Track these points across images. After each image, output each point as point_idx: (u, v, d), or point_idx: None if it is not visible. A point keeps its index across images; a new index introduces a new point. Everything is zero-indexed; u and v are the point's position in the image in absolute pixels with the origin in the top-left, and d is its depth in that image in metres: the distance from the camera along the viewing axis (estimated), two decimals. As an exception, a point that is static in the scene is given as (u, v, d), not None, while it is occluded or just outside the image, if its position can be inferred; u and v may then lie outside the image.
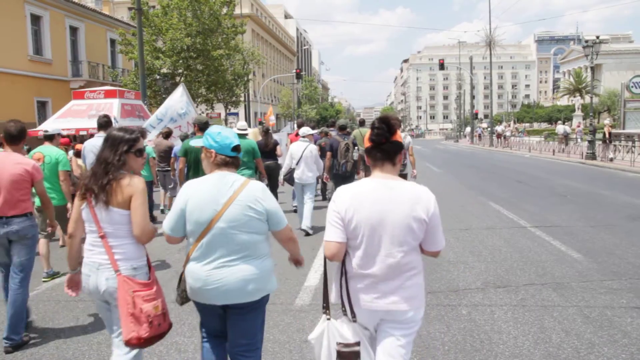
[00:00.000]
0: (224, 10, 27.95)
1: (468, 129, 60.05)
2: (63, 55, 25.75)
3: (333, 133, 10.12)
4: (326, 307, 2.62)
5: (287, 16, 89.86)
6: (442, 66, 42.80)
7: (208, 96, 29.87)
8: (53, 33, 24.77)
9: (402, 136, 8.55)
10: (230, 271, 2.71)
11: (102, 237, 2.86)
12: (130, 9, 32.76)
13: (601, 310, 4.74)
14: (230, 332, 2.87)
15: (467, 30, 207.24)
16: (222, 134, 2.81)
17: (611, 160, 21.06)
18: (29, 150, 8.16)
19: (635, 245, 7.17)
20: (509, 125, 53.07)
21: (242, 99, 36.30)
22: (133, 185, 2.88)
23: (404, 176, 8.58)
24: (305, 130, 9.03)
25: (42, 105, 24.25)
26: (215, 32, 27.29)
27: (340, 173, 8.57)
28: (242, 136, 7.57)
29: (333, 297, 2.61)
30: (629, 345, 4.02)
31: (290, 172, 8.67)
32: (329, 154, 8.72)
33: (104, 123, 7.09)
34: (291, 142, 10.55)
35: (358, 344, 2.45)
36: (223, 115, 37.25)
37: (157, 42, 26.43)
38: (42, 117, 23.16)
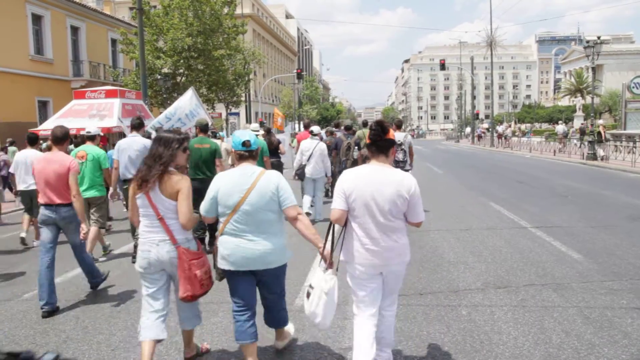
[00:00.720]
0: (225, 10, 27.96)
1: (468, 129, 60.10)
2: (64, 55, 25.77)
3: (338, 133, 11.21)
4: (331, 265, 3.41)
5: (288, 16, 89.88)
6: (443, 66, 42.76)
7: (209, 96, 29.88)
8: (54, 33, 24.79)
9: (403, 136, 9.09)
10: (253, 244, 3.44)
11: (161, 219, 3.53)
12: (131, 8, 32.78)
13: (601, 311, 4.73)
14: (260, 289, 3.65)
15: (468, 31, 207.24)
16: (235, 135, 3.59)
17: (602, 159, 21.20)
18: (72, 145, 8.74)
19: (636, 246, 7.16)
20: (510, 126, 53.04)
21: (243, 99, 36.31)
22: (181, 182, 3.54)
23: (406, 171, 8.86)
24: (317, 128, 9.76)
25: (43, 105, 24.27)
26: (216, 32, 27.30)
27: (340, 170, 9.36)
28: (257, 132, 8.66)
29: (342, 255, 3.41)
30: (629, 346, 4.02)
31: (302, 167, 9.18)
32: (334, 151, 9.87)
33: (138, 125, 7.59)
34: (299, 141, 11.13)
35: (322, 290, 3.33)
36: (224, 115, 37.26)
37: (158, 42, 26.45)
38: (43, 116, 23.19)
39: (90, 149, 7.28)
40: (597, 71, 54.99)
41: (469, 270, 6.13)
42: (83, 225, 5.19)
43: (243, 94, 35.80)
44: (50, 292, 5.04)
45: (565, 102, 76.89)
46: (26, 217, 8.55)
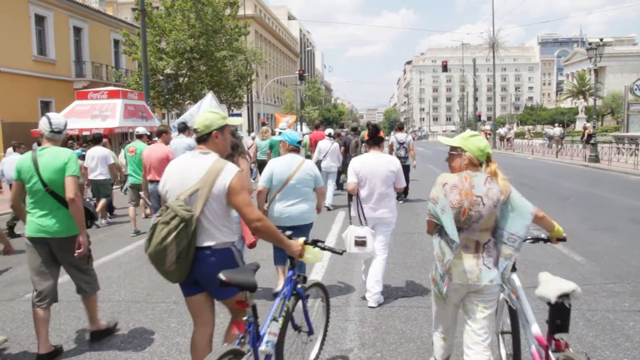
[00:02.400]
0: (228, 11, 28.01)
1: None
2: (67, 55, 25.84)
3: (343, 133, 13.78)
4: (350, 219, 5.24)
5: (290, 17, 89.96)
6: (445, 68, 42.77)
7: (211, 97, 29.91)
8: (57, 33, 24.86)
9: (405, 136, 11.65)
10: (295, 208, 4.99)
11: None
12: (133, 9, 32.88)
13: (603, 314, 4.72)
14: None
15: (471, 32, 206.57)
16: (293, 134, 5.23)
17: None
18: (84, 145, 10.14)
19: (638, 249, 7.14)
20: (512, 128, 53.00)
21: (245, 100, 36.35)
22: (244, 164, 4.89)
23: (406, 166, 11.31)
24: (331, 131, 12.33)
25: (45, 106, 24.33)
26: (218, 33, 27.34)
27: (348, 163, 10.59)
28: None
29: (353, 212, 5.17)
30: (631, 349, 4.00)
31: (318, 163, 10.90)
32: (343, 148, 11.96)
33: (183, 128, 9.47)
34: (311, 140, 13.16)
35: (365, 237, 4.75)
36: (226, 116, 37.24)
37: (161, 43, 26.51)
38: (46, 117, 23.23)
39: (139, 145, 9.07)
40: (600, 73, 54.96)
41: (470, 272, 6.10)
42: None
43: (245, 95, 35.83)
44: None
45: (567, 104, 76.78)
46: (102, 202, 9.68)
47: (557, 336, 2.67)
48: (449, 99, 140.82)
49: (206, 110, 3.16)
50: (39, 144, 4.14)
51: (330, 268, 6.42)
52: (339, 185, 12.61)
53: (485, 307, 2.88)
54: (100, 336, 4.33)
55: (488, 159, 2.94)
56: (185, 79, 27.57)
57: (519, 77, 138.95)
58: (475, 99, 52.39)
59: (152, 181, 7.39)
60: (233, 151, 4.51)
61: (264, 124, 42.88)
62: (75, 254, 4.00)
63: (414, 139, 12.68)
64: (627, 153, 21.26)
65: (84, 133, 18.12)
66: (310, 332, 3.56)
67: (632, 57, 71.20)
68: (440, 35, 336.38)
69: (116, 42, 30.23)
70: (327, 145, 11.15)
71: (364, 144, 10.85)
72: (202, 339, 3.03)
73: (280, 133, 5.66)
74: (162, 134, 7.85)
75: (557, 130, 33.95)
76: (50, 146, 4.01)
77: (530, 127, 66.08)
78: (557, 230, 3.29)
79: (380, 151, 5.22)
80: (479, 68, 69.88)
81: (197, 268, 2.87)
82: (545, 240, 3.38)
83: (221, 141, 3.02)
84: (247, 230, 4.11)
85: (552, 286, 2.79)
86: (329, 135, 11.74)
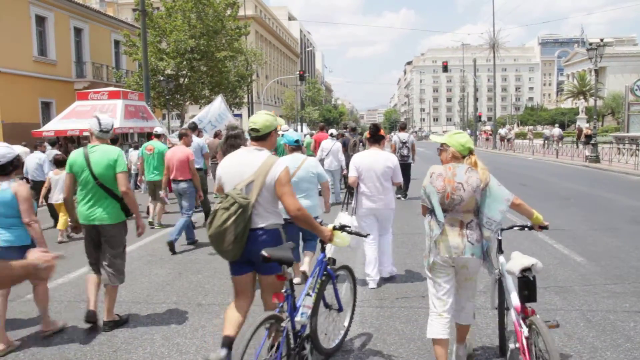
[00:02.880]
0: (228, 12, 28.00)
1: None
2: (67, 56, 25.84)
3: (345, 134, 14.44)
4: (346, 207, 6.30)
5: (290, 18, 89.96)
6: (445, 68, 42.72)
7: (211, 97, 29.89)
8: (57, 34, 24.86)
9: (407, 136, 12.82)
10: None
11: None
12: (134, 10, 32.88)
13: (604, 314, 4.72)
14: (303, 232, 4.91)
15: (471, 33, 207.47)
16: (291, 135, 5.58)
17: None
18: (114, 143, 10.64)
19: (639, 249, 7.14)
20: (512, 128, 52.96)
21: (245, 100, 36.35)
22: None
23: (409, 164, 12.06)
24: (333, 131, 13.08)
25: (46, 106, 24.33)
26: (219, 34, 27.34)
27: (348, 162, 11.73)
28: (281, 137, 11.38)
29: (353, 203, 5.71)
30: (632, 349, 4.00)
31: (321, 161, 11.17)
32: (343, 148, 12.15)
33: (193, 127, 10.16)
34: (316, 140, 13.60)
35: (350, 226, 3.83)
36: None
37: (161, 44, 26.51)
38: (46, 117, 23.24)
39: (157, 144, 9.47)
40: (600, 74, 54.91)
41: (471, 273, 6.10)
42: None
43: (245, 96, 35.83)
44: (179, 232, 7.44)
45: (568, 104, 76.73)
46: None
47: (527, 305, 3.18)
48: (449, 100, 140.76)
49: (263, 113, 3.59)
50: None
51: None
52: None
53: (469, 277, 3.45)
54: (115, 326, 4.62)
55: (470, 152, 3.42)
56: (186, 80, 27.57)
57: (519, 78, 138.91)
58: (476, 100, 52.28)
59: (174, 180, 7.81)
60: (242, 141, 4.72)
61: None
62: (137, 234, 4.76)
63: (414, 138, 13.04)
64: (628, 153, 21.25)
65: (85, 134, 18.13)
66: (340, 309, 3.97)
67: (632, 57, 71.16)
68: (441, 35, 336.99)
69: (117, 43, 30.23)
70: (330, 145, 11.67)
71: (362, 143, 12.15)
72: (241, 310, 3.46)
73: (282, 135, 6.02)
74: (183, 136, 8.21)
75: (555, 131, 34.22)
76: (99, 144, 4.55)
77: (531, 127, 66.10)
78: (536, 217, 3.61)
79: (380, 149, 5.77)
80: (480, 68, 69.73)
81: (250, 247, 3.29)
82: (530, 228, 3.72)
83: (273, 140, 3.59)
84: None
85: (516, 262, 3.31)
86: (331, 135, 12.41)
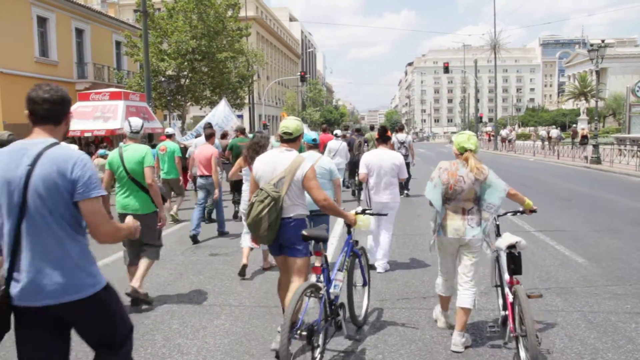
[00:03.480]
0: (229, 12, 28.02)
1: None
2: (69, 57, 25.87)
3: (348, 134, 15.39)
4: (358, 202, 7.94)
5: (292, 19, 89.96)
6: (446, 69, 42.75)
7: (212, 98, 29.91)
8: (59, 35, 24.89)
9: (405, 136, 13.91)
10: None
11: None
12: (135, 11, 32.86)
13: (605, 316, 4.71)
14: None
15: (472, 34, 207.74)
16: (308, 134, 5.63)
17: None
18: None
19: (640, 250, 7.13)
20: (514, 129, 52.93)
21: (246, 101, 36.36)
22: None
23: (407, 163, 12.04)
24: (338, 132, 13.83)
25: (47, 107, 24.32)
26: (220, 35, 27.36)
27: (354, 161, 12.49)
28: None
29: (362, 196, 6.48)
30: (634, 351, 4.00)
31: None
32: (348, 147, 12.87)
33: (209, 127, 10.50)
34: (322, 141, 13.89)
35: (369, 208, 4.95)
36: (227, 118, 37.24)
37: (162, 45, 26.51)
38: (48, 118, 23.24)
39: (169, 144, 10.11)
40: (601, 75, 54.84)
41: (472, 274, 6.10)
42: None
43: (246, 97, 35.85)
44: (197, 224, 8.15)
45: (569, 105, 76.69)
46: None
47: (514, 277, 3.80)
48: (450, 101, 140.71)
49: (293, 119, 4.20)
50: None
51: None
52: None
53: (472, 256, 4.06)
54: (137, 297, 5.10)
55: (465, 150, 3.99)
56: (187, 81, 27.57)
57: (520, 79, 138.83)
58: (477, 101, 52.25)
59: (201, 176, 8.60)
60: (262, 149, 5.76)
61: (265, 126, 42.88)
62: (158, 226, 5.30)
63: (413, 140, 14.44)
64: (629, 155, 21.22)
65: (86, 134, 18.14)
66: (365, 283, 4.67)
67: (634, 58, 71.11)
68: (442, 36, 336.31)
69: (118, 44, 30.25)
70: (337, 145, 12.41)
71: (366, 143, 12.93)
72: (286, 282, 4.06)
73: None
74: (212, 137, 9.04)
75: (554, 132, 34.44)
76: (131, 143, 5.27)
77: (532, 128, 66.07)
78: (527, 203, 4.29)
79: (387, 148, 6.54)
80: (481, 69, 69.69)
81: (281, 233, 3.85)
82: (522, 212, 4.37)
83: (300, 142, 4.19)
84: None
85: (504, 240, 3.91)
86: (336, 135, 13.28)
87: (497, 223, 4.22)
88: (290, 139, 4.04)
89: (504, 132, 42.97)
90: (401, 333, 4.42)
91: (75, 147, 9.17)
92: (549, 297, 5.24)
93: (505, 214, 4.47)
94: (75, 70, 26.45)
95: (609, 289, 5.47)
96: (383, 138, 6.51)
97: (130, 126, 5.32)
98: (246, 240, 6.20)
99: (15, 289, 2.36)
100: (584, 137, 29.52)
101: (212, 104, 30.23)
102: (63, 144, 2.58)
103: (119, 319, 2.67)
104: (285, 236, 3.85)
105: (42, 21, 23.93)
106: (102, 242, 2.49)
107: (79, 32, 26.95)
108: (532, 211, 4.31)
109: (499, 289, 4.23)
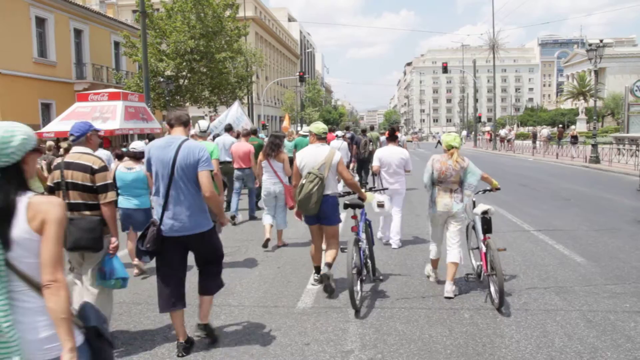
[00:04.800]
0: (227, 12, 28.01)
1: (464, 133, 60.74)
2: (67, 57, 25.84)
3: (347, 135, 16.29)
4: (374, 189, 6.78)
5: (290, 19, 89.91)
6: (445, 69, 42.74)
7: (211, 98, 29.90)
8: (57, 35, 24.85)
9: (399, 136, 13.95)
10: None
11: (275, 172, 7.58)
12: (134, 11, 32.91)
13: (604, 315, 4.72)
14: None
15: (471, 34, 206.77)
16: (319, 127, 5.77)
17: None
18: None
19: (639, 249, 7.14)
20: (512, 129, 52.98)
21: (245, 101, 36.34)
22: (284, 155, 7.65)
23: None
24: (339, 132, 15.51)
25: (46, 107, 24.33)
26: (218, 35, 27.35)
27: (360, 158, 14.35)
28: (304, 136, 12.83)
29: (375, 183, 7.69)
30: (633, 349, 4.00)
31: None
32: (354, 147, 14.36)
33: (229, 128, 11.59)
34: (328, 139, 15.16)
35: (384, 201, 6.82)
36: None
37: (161, 45, 26.50)
38: (46, 119, 23.23)
39: (206, 144, 10.31)
40: (600, 74, 54.90)
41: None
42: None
43: (245, 97, 35.83)
44: (236, 208, 9.72)
45: (567, 105, 76.74)
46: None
47: (487, 235, 5.13)
48: (449, 100, 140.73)
49: (321, 122, 5.85)
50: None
51: (331, 270, 6.41)
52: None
53: (457, 224, 5.40)
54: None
55: (451, 147, 5.36)
56: (186, 81, 27.57)
57: (519, 79, 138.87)
58: (476, 100, 52.27)
59: (238, 168, 9.73)
60: (278, 147, 7.55)
61: (264, 126, 42.84)
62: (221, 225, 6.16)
63: (413, 140, 16.04)
64: (628, 154, 21.25)
65: (192, 132, 18.08)
66: (373, 243, 5.97)
67: (632, 58, 71.12)
68: (441, 36, 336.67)
69: (116, 44, 30.22)
70: (338, 144, 13.25)
71: (371, 143, 14.56)
72: (318, 248, 5.67)
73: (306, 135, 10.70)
74: (249, 134, 10.48)
75: (544, 132, 35.33)
76: (202, 141, 6.29)
77: (531, 128, 66.08)
78: (494, 184, 5.75)
79: (396, 145, 7.79)
80: (479, 69, 69.75)
81: (322, 207, 5.24)
82: (490, 190, 5.81)
83: (326, 139, 5.74)
84: (289, 197, 6.82)
85: (478, 208, 5.31)
86: (337, 136, 14.55)
87: (474, 199, 5.53)
88: (322, 137, 5.59)
89: (503, 132, 43.00)
90: (400, 333, 4.42)
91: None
92: (548, 296, 5.25)
93: (478, 192, 5.66)
94: (74, 71, 26.42)
95: (608, 288, 5.48)
96: (392, 137, 7.81)
97: (199, 127, 6.74)
98: (267, 219, 7.71)
99: (164, 226, 3.92)
100: (574, 136, 30.83)
101: (211, 104, 30.28)
102: (190, 139, 4.12)
103: (219, 245, 4.27)
104: (323, 209, 5.25)
105: (40, 22, 23.90)
106: (206, 198, 3.97)
107: (78, 33, 26.92)
108: (497, 189, 5.82)
109: (474, 251, 5.80)
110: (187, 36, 25.44)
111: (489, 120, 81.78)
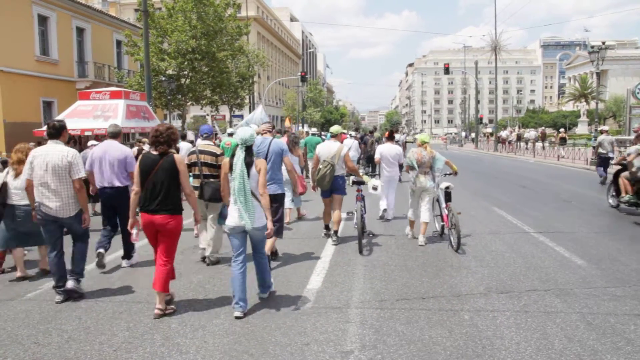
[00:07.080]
0: (229, 11, 28.02)
1: (463, 134, 60.83)
2: (69, 55, 25.88)
3: (358, 135, 20.19)
4: (370, 174, 10.00)
5: (292, 19, 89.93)
6: (447, 70, 42.77)
7: (213, 98, 29.92)
8: (60, 34, 24.89)
9: (397, 136, 23.62)
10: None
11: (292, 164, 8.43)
12: (136, 10, 32.92)
13: (604, 317, 4.71)
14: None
15: (473, 35, 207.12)
16: (335, 129, 8.21)
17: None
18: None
19: (639, 252, 7.14)
20: (514, 131, 52.90)
21: (247, 101, 36.35)
22: (300, 151, 9.74)
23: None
24: (352, 132, 18.86)
25: (47, 106, 24.36)
26: (219, 34, 27.37)
27: (368, 154, 16.83)
28: (314, 135, 15.62)
29: (377, 170, 13.12)
30: (633, 352, 4.00)
31: None
32: (363, 145, 17.19)
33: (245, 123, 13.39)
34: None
35: (377, 186, 8.26)
36: (228, 117, 37.32)
37: (163, 44, 26.53)
38: (48, 117, 23.26)
39: (233, 140, 11.36)
40: (602, 77, 54.86)
41: (471, 275, 6.11)
42: None
43: (247, 97, 35.85)
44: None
45: (569, 107, 76.65)
46: None
47: (448, 204, 7.52)
48: (450, 102, 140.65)
49: (336, 125, 8.34)
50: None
51: (331, 270, 6.42)
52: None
53: (428, 195, 7.75)
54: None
55: (424, 142, 7.87)
56: (187, 80, 27.59)
57: (521, 80, 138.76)
58: (477, 102, 52.22)
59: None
60: (296, 144, 8.91)
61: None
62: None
63: (442, 141, 17.16)
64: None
65: (86, 133, 18.12)
66: (365, 212, 8.04)
67: (634, 60, 71.13)
68: (443, 37, 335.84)
69: (118, 43, 30.27)
70: (350, 142, 14.77)
71: (377, 142, 17.38)
72: (329, 212, 7.97)
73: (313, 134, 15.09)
74: (286, 133, 11.07)
75: (532, 134, 36.56)
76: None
77: (532, 129, 65.97)
78: (454, 168, 8.15)
79: (393, 143, 10.35)
80: (481, 70, 69.55)
81: (334, 184, 7.53)
82: (450, 174, 8.18)
83: (339, 137, 8.10)
84: (298, 182, 7.25)
85: (442, 185, 7.75)
86: (350, 135, 17.13)
87: (438, 179, 7.82)
88: (334, 135, 7.99)
89: (504, 133, 43.00)
90: (400, 334, 4.42)
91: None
92: (548, 298, 5.24)
93: (444, 174, 8.07)
94: (76, 69, 26.46)
95: (608, 291, 5.47)
96: (390, 137, 10.54)
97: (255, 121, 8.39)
98: (287, 203, 8.54)
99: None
100: (563, 138, 33.72)
101: (212, 103, 30.31)
102: (275, 139, 6.60)
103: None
104: (335, 184, 7.58)
105: (42, 20, 23.94)
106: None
107: (80, 31, 26.96)
108: (456, 173, 8.23)
109: (438, 217, 8.16)
110: (189, 35, 25.46)
111: (491, 121, 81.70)
